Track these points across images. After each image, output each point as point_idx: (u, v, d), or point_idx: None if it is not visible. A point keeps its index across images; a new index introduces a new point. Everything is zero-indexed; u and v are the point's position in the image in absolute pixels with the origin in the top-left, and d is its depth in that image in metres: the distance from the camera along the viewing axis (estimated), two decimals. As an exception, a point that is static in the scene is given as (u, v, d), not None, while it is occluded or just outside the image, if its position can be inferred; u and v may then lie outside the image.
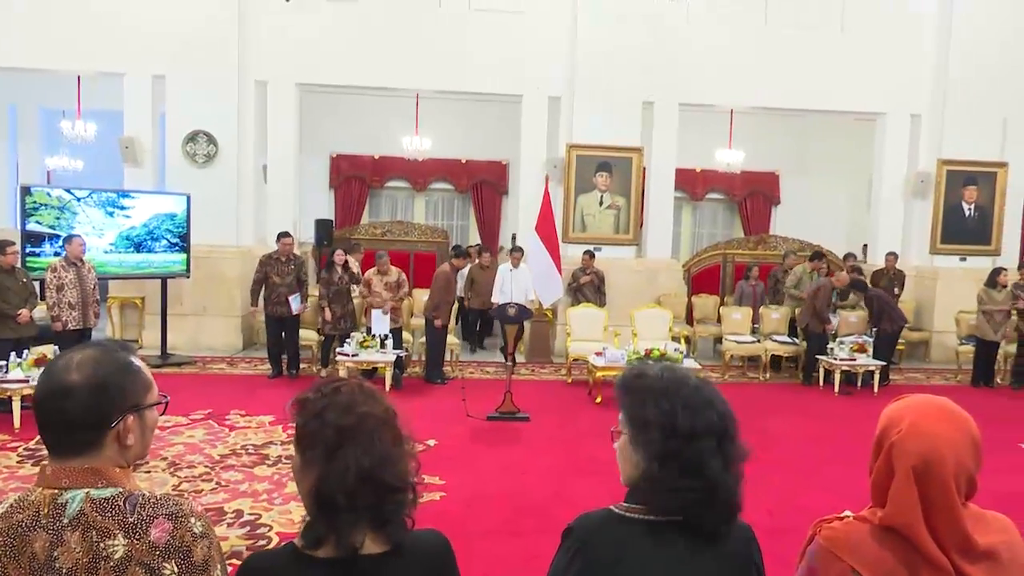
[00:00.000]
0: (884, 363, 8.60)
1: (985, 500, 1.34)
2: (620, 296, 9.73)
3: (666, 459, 1.35)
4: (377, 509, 1.30)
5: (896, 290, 9.90)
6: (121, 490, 1.26)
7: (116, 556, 1.20)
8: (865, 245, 11.72)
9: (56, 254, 7.73)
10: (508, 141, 11.36)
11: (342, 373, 7.15)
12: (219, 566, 1.28)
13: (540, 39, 10.09)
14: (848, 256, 10.50)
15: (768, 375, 9.24)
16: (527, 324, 9.28)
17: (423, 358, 8.75)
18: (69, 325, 7.09)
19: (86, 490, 1.24)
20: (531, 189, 10.05)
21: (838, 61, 10.37)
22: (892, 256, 10.14)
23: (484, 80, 10.21)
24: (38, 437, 5.20)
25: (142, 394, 1.33)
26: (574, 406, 7.59)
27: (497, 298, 8.59)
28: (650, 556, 1.35)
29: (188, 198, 9.06)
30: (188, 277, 9.21)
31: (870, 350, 8.55)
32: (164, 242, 8.93)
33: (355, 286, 8.50)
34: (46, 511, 1.22)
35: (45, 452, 4.40)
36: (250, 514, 4.51)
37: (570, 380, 8.66)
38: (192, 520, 1.25)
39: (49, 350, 6.58)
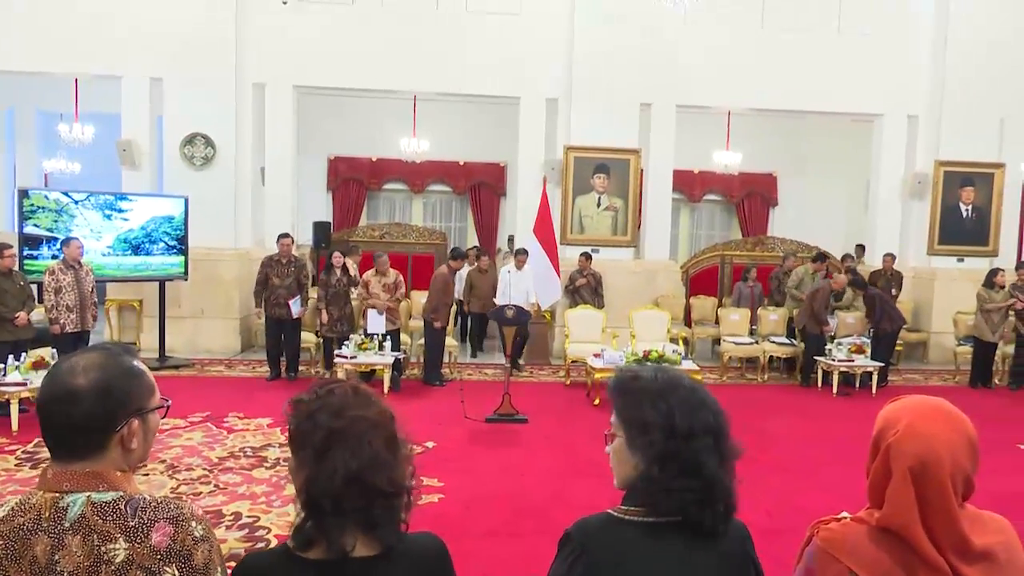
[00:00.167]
0: (883, 364, 8.62)
1: (983, 501, 1.34)
2: (618, 298, 9.73)
3: (665, 460, 1.36)
4: (366, 512, 1.30)
5: (894, 291, 9.92)
6: (122, 494, 1.26)
7: (117, 560, 1.20)
8: (860, 245, 11.73)
9: (54, 257, 7.72)
10: (506, 143, 11.36)
11: (340, 375, 7.14)
12: (219, 569, 1.28)
13: (537, 41, 10.10)
14: (846, 257, 10.52)
15: (766, 376, 9.25)
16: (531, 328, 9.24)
17: (421, 360, 8.74)
18: (67, 328, 7.08)
19: (87, 494, 1.24)
20: (529, 191, 10.05)
21: (835, 62, 10.39)
22: (890, 257, 10.16)
23: (482, 82, 10.22)
24: (37, 440, 5.18)
25: (146, 398, 1.33)
26: (572, 408, 7.59)
27: (500, 300, 8.57)
28: (651, 558, 1.35)
29: (186, 200, 9.06)
30: (186, 279, 9.21)
31: (868, 351, 8.56)
32: (162, 244, 8.92)
33: (353, 288, 8.50)
34: (47, 514, 1.22)
35: (43, 455, 4.39)
36: (248, 516, 4.51)
37: (568, 382, 8.66)
38: (193, 524, 1.26)
39: (47, 353, 6.57)
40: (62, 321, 7.06)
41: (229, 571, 1.35)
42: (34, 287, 7.66)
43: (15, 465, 5.35)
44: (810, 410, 7.76)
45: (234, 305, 9.76)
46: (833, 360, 8.41)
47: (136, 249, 8.72)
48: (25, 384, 6.23)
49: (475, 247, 11.86)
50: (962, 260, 10.59)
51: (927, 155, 10.63)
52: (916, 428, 1.30)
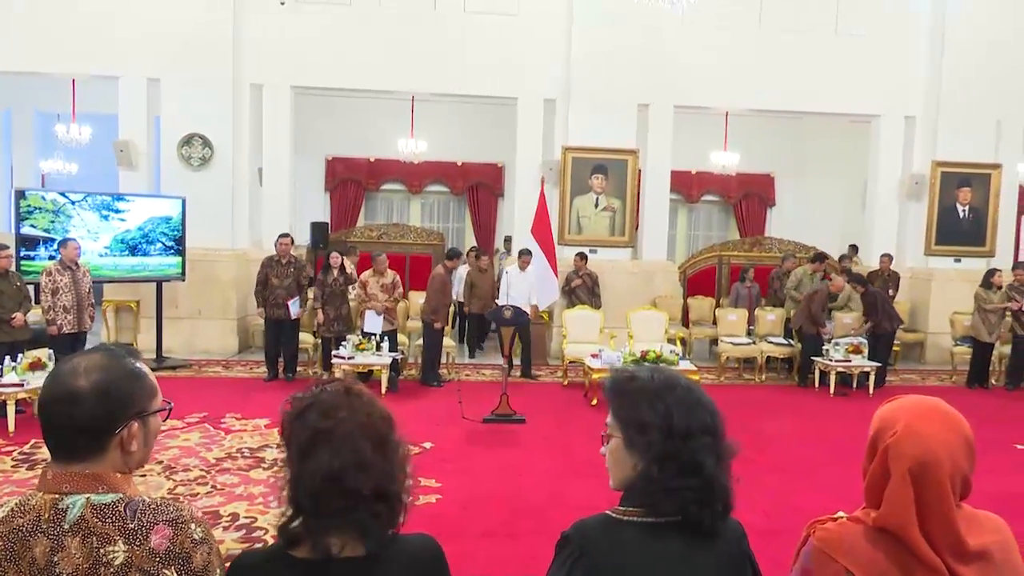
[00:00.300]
0: (880, 364, 8.63)
1: (980, 500, 1.34)
2: (616, 298, 9.74)
3: (664, 460, 1.36)
4: (346, 514, 1.29)
5: (891, 291, 9.93)
6: (122, 496, 1.26)
7: (116, 562, 1.20)
8: (853, 246, 11.71)
9: (51, 258, 7.71)
10: (504, 143, 11.37)
11: (338, 376, 7.14)
12: (218, 571, 1.28)
13: (535, 41, 10.11)
14: (843, 258, 10.54)
15: (764, 377, 9.26)
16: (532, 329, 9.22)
17: (419, 361, 8.74)
18: (64, 329, 7.07)
19: (87, 495, 1.24)
20: (527, 191, 10.06)
21: (833, 63, 10.40)
22: (887, 258, 10.17)
23: (480, 82, 10.22)
24: (33, 441, 5.17)
25: (147, 400, 1.33)
26: (570, 408, 7.59)
27: (502, 302, 8.55)
28: (652, 558, 1.35)
29: (183, 201, 9.05)
30: (183, 280, 9.20)
31: (865, 351, 8.57)
32: (159, 245, 8.91)
33: (351, 287, 8.49)
34: (47, 516, 1.22)
35: (40, 456, 4.39)
36: (246, 517, 4.51)
37: (566, 382, 8.67)
38: (192, 526, 1.26)
39: (44, 354, 6.55)
40: (59, 322, 7.05)
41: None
42: (31, 288, 7.64)
43: (11, 467, 5.34)
44: (807, 410, 7.77)
45: (231, 306, 9.75)
46: (830, 360, 8.42)
47: (133, 250, 8.71)
48: (22, 385, 6.22)
49: (474, 247, 11.86)
50: (959, 260, 10.60)
51: (924, 156, 10.64)
52: (915, 429, 1.30)
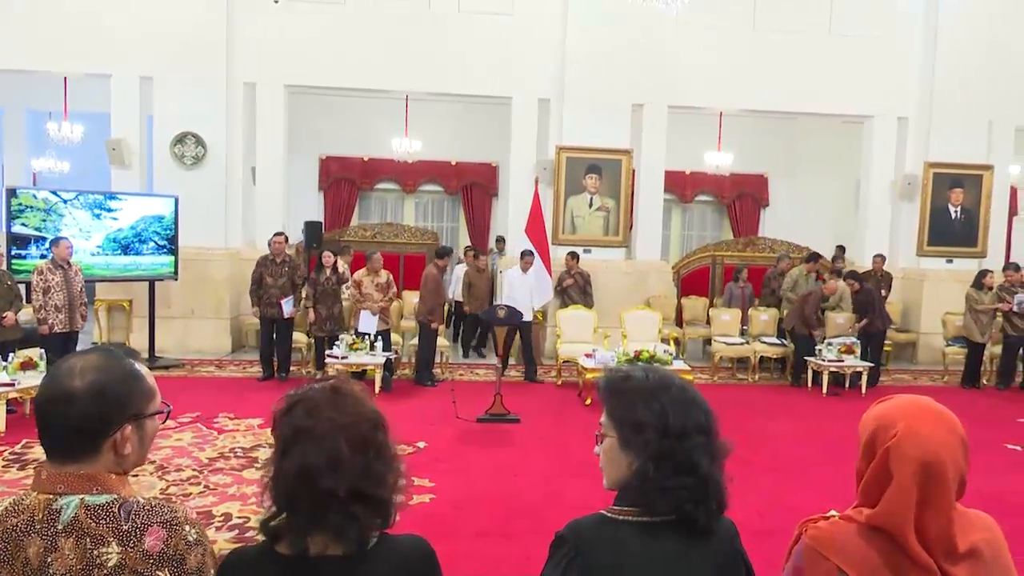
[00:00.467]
0: (873, 364, 8.67)
1: (970, 500, 1.35)
2: (609, 298, 9.75)
3: (660, 459, 1.36)
4: (319, 514, 1.29)
5: (884, 292, 9.97)
6: (116, 497, 1.25)
7: (110, 564, 1.19)
8: (841, 247, 11.73)
9: (42, 256, 7.67)
10: (498, 143, 11.35)
11: (331, 375, 7.12)
12: (212, 573, 1.27)
13: (529, 41, 10.10)
14: (835, 259, 10.58)
15: (757, 376, 9.28)
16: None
17: (412, 360, 8.73)
18: (56, 328, 7.03)
19: (81, 496, 1.23)
20: (521, 191, 10.05)
21: (826, 64, 10.44)
22: (880, 258, 10.21)
23: (474, 82, 10.21)
24: (25, 441, 5.14)
25: (143, 403, 1.32)
26: (564, 408, 7.59)
27: (505, 302, 8.52)
28: (648, 558, 1.35)
29: (176, 200, 9.02)
30: (176, 279, 9.17)
31: (858, 351, 8.61)
32: (152, 244, 8.88)
33: (344, 287, 8.47)
34: (41, 516, 1.22)
35: (31, 456, 4.37)
36: (239, 517, 4.50)
37: (560, 382, 8.67)
38: (187, 528, 1.25)
39: (35, 353, 6.53)
40: (50, 321, 7.01)
41: None
42: (22, 287, 7.61)
43: (2, 467, 5.31)
44: (800, 410, 7.79)
45: (224, 305, 9.72)
46: (823, 360, 8.45)
47: (126, 249, 8.68)
48: (12, 385, 6.19)
49: (468, 246, 11.85)
50: (951, 261, 10.66)
51: (917, 157, 10.69)
52: (915, 430, 1.30)
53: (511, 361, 9.43)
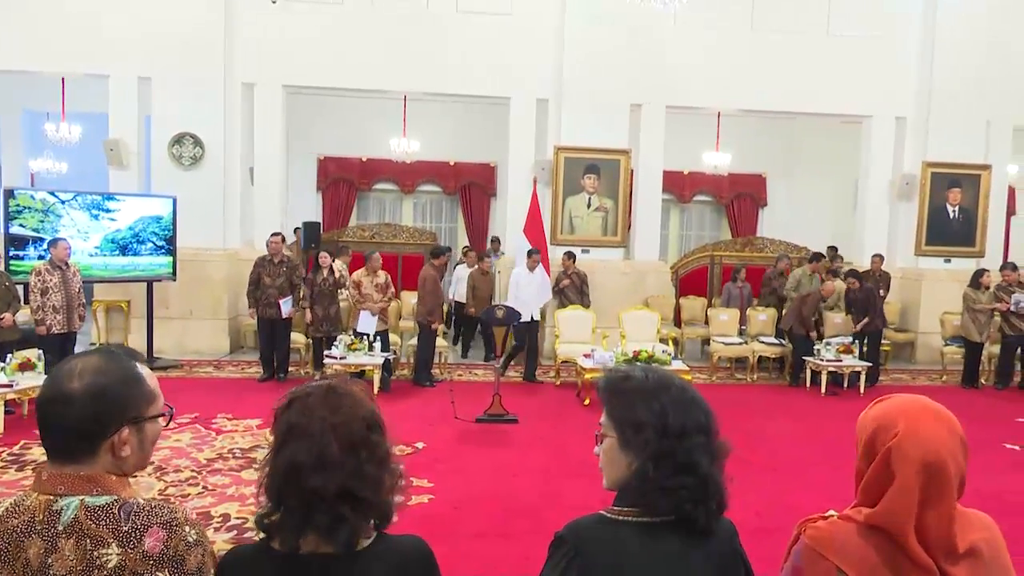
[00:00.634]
0: (872, 364, 8.68)
1: (969, 499, 1.35)
2: (608, 298, 9.74)
3: (660, 459, 1.36)
4: (306, 512, 1.29)
5: (882, 291, 9.98)
6: (116, 498, 1.25)
7: (110, 565, 1.19)
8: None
9: (40, 257, 7.66)
10: (496, 143, 11.36)
11: (329, 375, 7.12)
12: (212, 574, 1.27)
13: (528, 41, 10.10)
14: (833, 259, 10.58)
15: (756, 376, 9.29)
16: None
17: (411, 360, 8.73)
18: (53, 329, 7.02)
19: (81, 497, 1.23)
20: (519, 191, 10.05)
21: (824, 64, 10.44)
22: (878, 258, 10.21)
23: (472, 82, 10.20)
24: (23, 442, 5.13)
25: (143, 406, 1.31)
26: (563, 408, 7.59)
27: (511, 303, 8.51)
28: (648, 558, 1.34)
29: (174, 200, 9.01)
30: (174, 280, 9.16)
31: (856, 351, 8.62)
32: (150, 245, 8.87)
33: (342, 290, 8.46)
34: (41, 517, 1.22)
35: (29, 458, 4.36)
36: (237, 518, 4.49)
37: (558, 382, 8.67)
38: (186, 529, 1.25)
39: (33, 354, 6.52)
40: (48, 322, 7.00)
41: None
42: (20, 288, 7.59)
43: (0, 468, 5.30)
44: (799, 410, 7.80)
45: (223, 306, 9.71)
46: (822, 360, 8.46)
47: (124, 249, 8.67)
48: (10, 386, 6.18)
49: (466, 246, 11.85)
50: (949, 261, 10.67)
51: (915, 156, 10.70)
52: (916, 430, 1.30)
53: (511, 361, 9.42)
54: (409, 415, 6.82)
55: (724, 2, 10.22)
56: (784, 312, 9.46)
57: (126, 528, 1.21)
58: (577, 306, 9.31)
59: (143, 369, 1.34)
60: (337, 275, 8.44)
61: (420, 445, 5.99)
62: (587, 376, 7.57)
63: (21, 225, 7.96)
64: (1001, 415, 7.64)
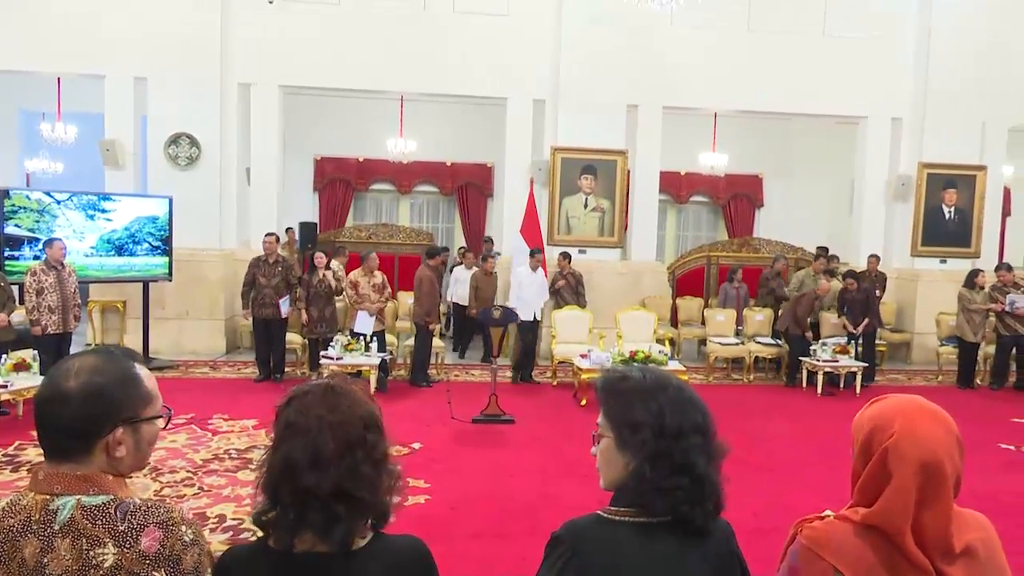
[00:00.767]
0: (868, 364, 8.70)
1: (965, 499, 1.35)
2: (605, 298, 9.75)
3: (657, 459, 1.36)
4: (300, 511, 1.29)
5: (878, 292, 9.99)
6: (112, 497, 1.24)
7: (106, 565, 1.19)
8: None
9: (36, 258, 7.64)
10: (493, 143, 11.36)
11: (325, 376, 7.11)
12: (209, 573, 1.26)
13: (524, 42, 10.10)
14: (832, 259, 10.61)
15: (752, 377, 9.30)
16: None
17: (407, 361, 8.72)
18: (49, 329, 6.99)
19: (77, 497, 1.23)
20: (516, 192, 10.05)
21: (820, 65, 10.46)
22: (875, 258, 10.22)
23: (469, 83, 10.20)
24: (17, 443, 5.12)
25: (139, 406, 1.31)
26: (559, 408, 7.59)
27: (514, 303, 8.52)
28: (644, 558, 1.34)
29: (170, 201, 8.99)
30: (170, 280, 9.14)
31: (852, 352, 8.63)
32: (146, 245, 8.85)
33: (338, 296, 8.42)
34: (37, 517, 1.21)
35: (24, 459, 4.35)
36: (233, 519, 4.48)
37: (555, 382, 8.67)
38: (183, 528, 1.25)
39: (28, 355, 6.50)
40: (43, 322, 6.97)
41: None
42: (15, 288, 7.57)
43: (-4, 468, 5.29)
44: (795, 410, 7.81)
45: (219, 306, 9.69)
46: (818, 360, 8.47)
47: (120, 250, 8.64)
48: (5, 386, 6.16)
49: (462, 248, 11.85)
50: (944, 261, 10.69)
51: (911, 157, 10.73)
52: (913, 430, 1.30)
53: (505, 361, 9.43)
54: (406, 416, 6.81)
55: (721, 3, 10.22)
56: (780, 312, 9.48)
57: (122, 528, 1.21)
58: (574, 306, 9.31)
59: (141, 370, 1.34)
60: (335, 284, 8.35)
61: (416, 446, 5.99)
62: (584, 376, 7.58)
63: (16, 225, 7.94)
64: (996, 415, 7.66)
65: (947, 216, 10.71)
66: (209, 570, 1.27)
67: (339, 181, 13.88)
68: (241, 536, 4.20)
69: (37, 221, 8.06)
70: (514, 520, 4.57)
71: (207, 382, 8.27)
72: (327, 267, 8.39)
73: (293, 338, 8.81)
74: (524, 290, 8.61)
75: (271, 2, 9.36)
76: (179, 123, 9.59)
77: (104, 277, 8.74)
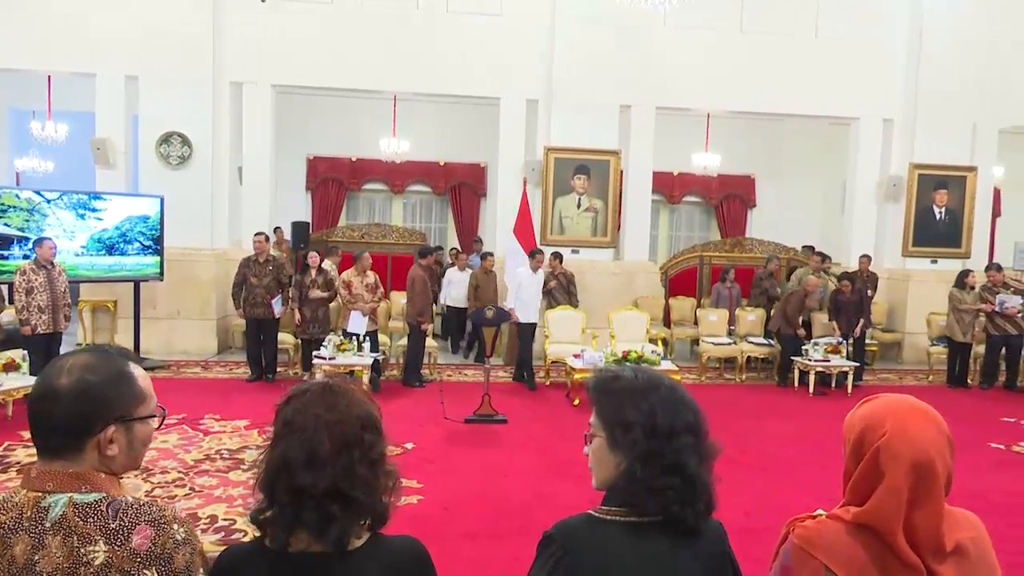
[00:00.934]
0: (859, 364, 8.74)
1: (955, 498, 1.35)
2: (597, 298, 9.76)
3: (648, 459, 1.36)
4: (295, 510, 1.29)
5: (870, 292, 10.04)
6: (104, 495, 1.24)
7: (96, 562, 1.19)
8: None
9: (25, 257, 7.59)
10: (486, 143, 11.36)
11: (318, 377, 7.09)
12: (201, 572, 1.26)
13: (518, 42, 10.10)
14: (825, 259, 10.66)
15: (744, 376, 9.32)
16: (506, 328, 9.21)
17: (400, 361, 8.70)
18: (39, 329, 6.95)
19: (69, 495, 1.23)
20: (509, 191, 10.05)
21: (813, 66, 10.50)
22: (866, 258, 10.27)
23: (462, 82, 10.20)
24: (6, 444, 5.07)
25: (131, 405, 1.31)
26: (552, 408, 7.59)
27: (513, 303, 8.50)
28: (635, 558, 1.34)
29: (162, 200, 8.95)
30: (161, 280, 9.10)
31: (843, 351, 8.67)
32: (137, 245, 8.80)
33: (335, 294, 8.40)
34: (29, 514, 1.21)
35: (13, 460, 4.33)
36: (224, 519, 4.47)
37: (548, 382, 8.67)
38: (175, 527, 1.24)
39: (18, 355, 6.46)
40: (33, 322, 6.93)
41: None
42: (4, 288, 7.52)
43: (-15, 469, 5.25)
44: (787, 410, 7.84)
45: (211, 306, 9.65)
46: (810, 360, 8.50)
47: (110, 249, 8.60)
48: (-5, 386, 6.12)
49: (454, 249, 11.84)
50: (935, 262, 10.76)
51: (902, 158, 10.78)
52: (904, 429, 1.31)
53: (498, 361, 9.43)
54: (398, 416, 6.80)
55: (714, 4, 10.26)
56: (772, 312, 9.51)
57: (114, 525, 1.21)
58: (567, 306, 9.31)
59: (135, 369, 1.34)
60: (330, 292, 8.32)
61: (409, 446, 5.98)
62: (577, 376, 7.58)
63: (6, 224, 7.89)
64: (986, 414, 7.70)
65: (938, 216, 10.77)
66: (201, 570, 1.26)
67: (332, 181, 13.85)
68: (233, 536, 4.18)
69: (27, 220, 8.01)
70: (507, 520, 4.57)
71: (198, 382, 8.23)
72: (319, 267, 8.37)
73: (285, 338, 8.79)
74: (524, 291, 8.58)
75: (263, 1, 9.32)
76: (171, 122, 9.54)
77: (95, 277, 8.69)
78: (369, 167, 13.73)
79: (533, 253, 8.86)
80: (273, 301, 8.18)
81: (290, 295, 8.35)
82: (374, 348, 8.04)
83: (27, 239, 7.83)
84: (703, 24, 10.23)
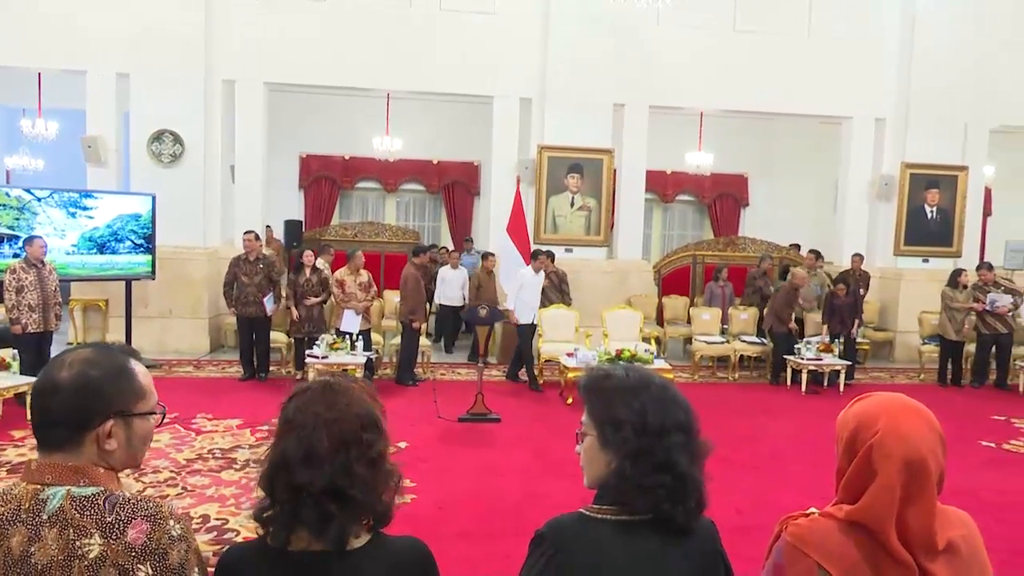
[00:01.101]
0: (851, 362, 8.77)
1: (946, 496, 1.36)
2: (591, 297, 9.76)
3: (638, 457, 1.36)
4: (293, 507, 1.29)
5: (862, 291, 10.07)
6: (102, 489, 1.25)
7: (91, 555, 1.19)
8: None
9: (15, 255, 7.53)
10: (480, 142, 11.34)
11: (311, 376, 7.07)
12: (196, 570, 1.26)
13: (511, 40, 10.09)
14: (819, 257, 10.69)
15: (737, 375, 9.35)
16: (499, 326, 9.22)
17: (393, 360, 8.69)
18: (29, 328, 6.90)
19: (67, 487, 1.23)
20: (503, 190, 10.04)
21: (805, 66, 10.53)
22: (858, 257, 10.30)
23: (455, 81, 10.18)
24: (-4, 442, 4.91)
25: (131, 401, 1.31)
26: (545, 407, 7.60)
27: (514, 304, 8.47)
28: (626, 556, 1.34)
29: (153, 198, 8.89)
30: (153, 279, 9.04)
31: (836, 350, 8.70)
32: (128, 243, 8.75)
33: (329, 295, 8.37)
34: (27, 506, 1.22)
35: (4, 459, 4.30)
36: (217, 519, 4.45)
37: (541, 381, 8.67)
38: (171, 523, 1.24)
39: (8, 354, 6.41)
40: (24, 321, 6.87)
41: (211, 572, 1.35)
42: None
43: (-25, 469, 5.21)
44: (780, 408, 7.86)
45: (203, 305, 9.61)
46: (802, 359, 8.53)
47: (102, 248, 8.55)
48: (-14, 385, 6.07)
49: (444, 248, 11.82)
50: (927, 261, 10.81)
51: (894, 157, 10.82)
52: (897, 427, 1.31)
53: (492, 360, 9.43)
54: (392, 414, 6.64)
55: (707, 3, 10.28)
56: (765, 311, 9.53)
57: (110, 519, 1.21)
58: (560, 305, 9.31)
59: (136, 365, 1.35)
60: (324, 273, 8.33)
61: (403, 445, 5.97)
62: (570, 375, 7.58)
63: (-4, 223, 7.83)
64: (977, 412, 7.74)
65: (930, 216, 10.81)
66: (196, 568, 1.26)
67: (325, 179, 13.82)
68: (225, 536, 4.17)
69: (17, 218, 7.96)
70: (501, 519, 4.57)
71: (191, 381, 8.20)
72: (314, 266, 8.35)
73: (278, 337, 8.76)
74: (526, 292, 8.55)
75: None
76: (162, 120, 9.49)
77: (86, 275, 8.63)
78: (362, 165, 13.71)
79: (535, 254, 8.84)
80: (265, 299, 8.16)
81: (283, 293, 8.32)
82: (367, 347, 8.03)
83: (17, 237, 7.77)
84: (696, 23, 10.24)
